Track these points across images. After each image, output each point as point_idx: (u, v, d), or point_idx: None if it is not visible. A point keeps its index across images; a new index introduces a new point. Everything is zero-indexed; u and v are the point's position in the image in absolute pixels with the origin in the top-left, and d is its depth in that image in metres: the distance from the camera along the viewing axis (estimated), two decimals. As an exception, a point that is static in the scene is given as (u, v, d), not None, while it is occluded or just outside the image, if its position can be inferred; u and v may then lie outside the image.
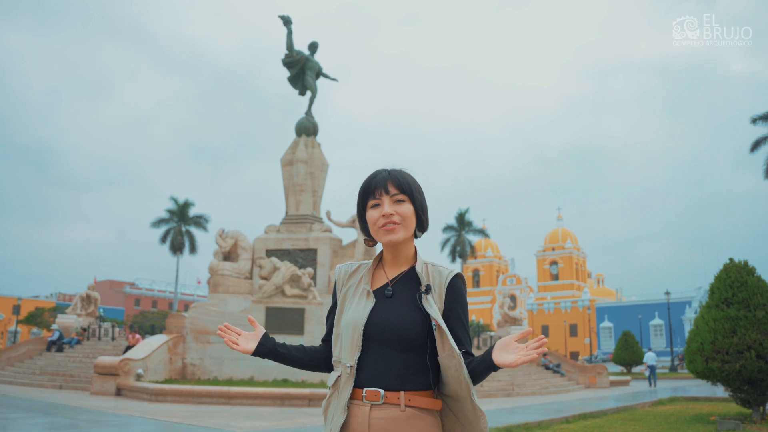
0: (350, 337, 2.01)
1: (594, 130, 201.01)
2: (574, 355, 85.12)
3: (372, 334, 1.99)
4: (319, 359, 2.18)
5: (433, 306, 1.98)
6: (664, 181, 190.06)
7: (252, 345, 2.11)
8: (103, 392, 18.23)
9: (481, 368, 1.95)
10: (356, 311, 2.05)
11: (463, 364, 1.93)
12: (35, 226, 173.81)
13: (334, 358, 2.10)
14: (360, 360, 1.99)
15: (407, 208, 2.05)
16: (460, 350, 1.97)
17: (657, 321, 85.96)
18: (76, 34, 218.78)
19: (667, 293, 51.09)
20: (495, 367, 1.90)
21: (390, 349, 1.97)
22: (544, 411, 14.95)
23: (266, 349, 2.12)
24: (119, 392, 18.16)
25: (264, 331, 2.14)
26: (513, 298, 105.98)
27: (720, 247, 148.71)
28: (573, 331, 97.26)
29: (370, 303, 2.04)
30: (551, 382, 26.12)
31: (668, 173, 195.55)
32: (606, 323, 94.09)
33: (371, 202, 2.07)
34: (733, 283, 12.13)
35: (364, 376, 1.98)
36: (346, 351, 2.02)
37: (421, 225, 2.12)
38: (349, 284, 2.15)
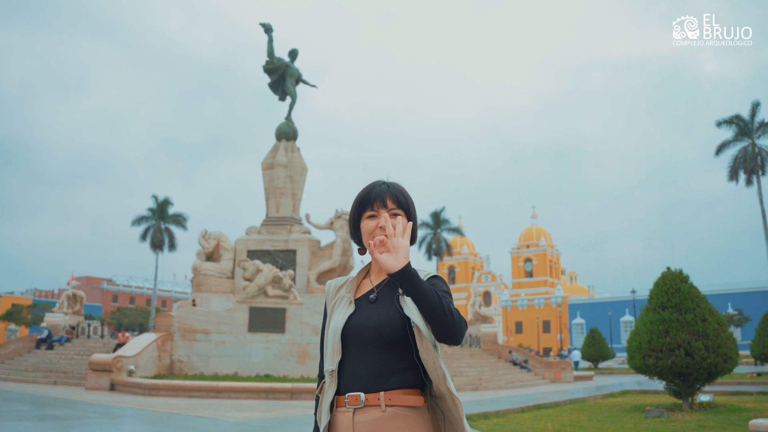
0: (331, 343, 2.07)
1: (569, 130, 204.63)
2: (547, 351, 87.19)
3: (350, 338, 2.04)
4: None
5: (411, 307, 1.98)
6: (639, 181, 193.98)
7: None
8: (97, 387, 19.47)
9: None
10: (336, 319, 2.11)
11: (436, 352, 1.98)
12: (8, 222, 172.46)
13: (324, 368, 2.13)
14: (341, 366, 2.04)
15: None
16: None
17: (627, 318, 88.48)
18: (53, 28, 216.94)
19: (633, 291, 53.29)
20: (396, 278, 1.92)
21: (368, 352, 2.01)
22: (504, 403, 16.54)
23: None
24: (113, 387, 19.42)
25: None
26: (488, 295, 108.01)
27: (690, 245, 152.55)
28: (546, 327, 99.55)
29: (351, 309, 2.10)
30: (517, 377, 27.76)
31: (643, 173, 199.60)
32: (578, 320, 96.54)
33: (368, 213, 2.14)
34: (669, 289, 13.76)
35: (346, 381, 2.02)
36: (329, 357, 2.08)
37: (413, 238, 2.15)
38: (337, 297, 2.20)
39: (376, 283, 2.17)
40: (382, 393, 1.97)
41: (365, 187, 2.19)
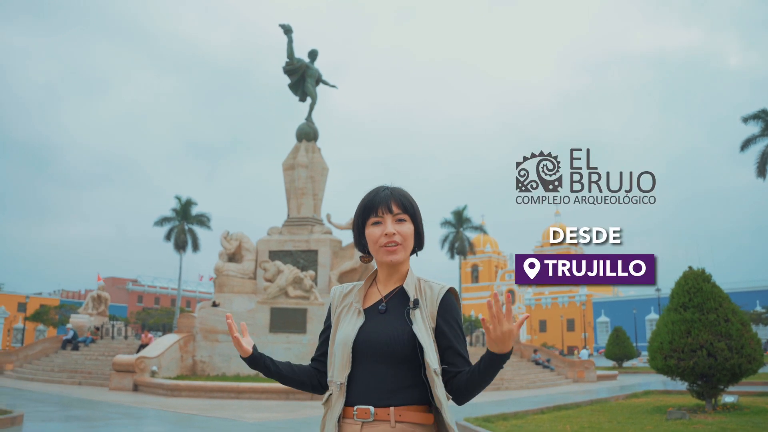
0: (340, 355, 2.03)
1: (588, 125, 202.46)
2: (571, 350, 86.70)
3: (361, 350, 2.01)
4: (305, 378, 2.19)
5: (419, 321, 2.00)
6: (660, 176, 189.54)
7: (249, 348, 2.12)
8: (121, 388, 19.72)
9: (483, 364, 1.94)
10: (346, 329, 2.06)
11: (437, 380, 1.96)
12: (34, 223, 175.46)
13: (328, 378, 2.10)
14: (350, 377, 2.01)
15: (408, 228, 2.09)
16: (450, 363, 2.03)
17: (652, 316, 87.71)
18: (74, 31, 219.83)
19: (658, 289, 52.60)
20: (494, 356, 1.90)
21: (380, 365, 1.98)
22: (525, 403, 16.46)
23: (258, 358, 2.14)
24: (136, 388, 19.64)
25: (253, 342, 2.15)
26: (511, 293, 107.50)
27: (715, 242, 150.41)
28: (570, 325, 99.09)
29: (360, 320, 2.06)
30: (539, 376, 27.60)
31: (663, 168, 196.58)
32: (602, 318, 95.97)
33: (372, 220, 2.08)
34: (691, 289, 13.58)
35: (355, 393, 1.99)
36: (337, 369, 2.04)
37: (420, 243, 2.16)
38: (343, 305, 2.15)
39: (384, 292, 2.13)
40: (392, 408, 1.95)
41: (368, 193, 2.14)
